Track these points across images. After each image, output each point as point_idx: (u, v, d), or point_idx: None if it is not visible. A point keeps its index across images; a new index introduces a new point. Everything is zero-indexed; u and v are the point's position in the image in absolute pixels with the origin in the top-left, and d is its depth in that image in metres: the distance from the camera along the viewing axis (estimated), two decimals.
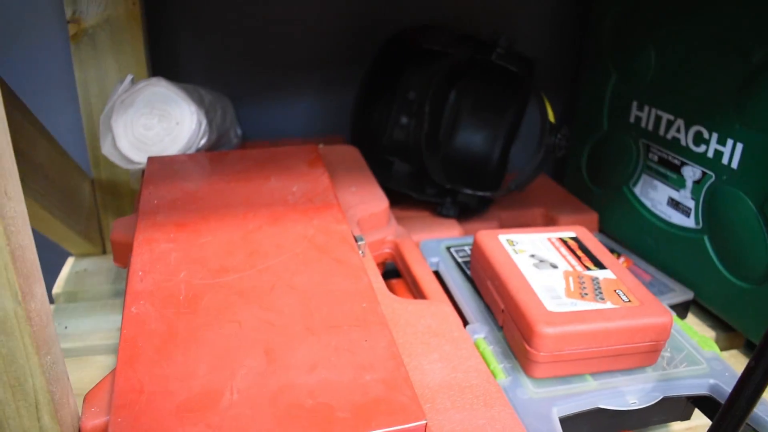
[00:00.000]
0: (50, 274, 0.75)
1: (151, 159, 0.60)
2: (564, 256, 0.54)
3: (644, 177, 0.74)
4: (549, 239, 0.56)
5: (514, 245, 0.55)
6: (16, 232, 0.35)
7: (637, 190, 0.75)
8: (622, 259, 0.73)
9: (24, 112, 0.57)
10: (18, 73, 0.76)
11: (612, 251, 0.75)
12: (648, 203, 0.74)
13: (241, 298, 0.44)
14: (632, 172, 0.76)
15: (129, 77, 0.62)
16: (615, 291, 0.49)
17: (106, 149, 0.61)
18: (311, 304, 0.43)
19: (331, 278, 0.45)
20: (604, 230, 0.81)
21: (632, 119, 0.75)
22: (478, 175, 0.82)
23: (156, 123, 0.61)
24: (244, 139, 0.84)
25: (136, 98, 0.60)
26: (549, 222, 0.80)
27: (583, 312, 0.46)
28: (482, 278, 0.54)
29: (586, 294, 0.49)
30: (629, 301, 0.48)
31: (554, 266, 0.52)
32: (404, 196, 0.74)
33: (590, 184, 0.84)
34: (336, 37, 0.84)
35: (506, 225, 0.78)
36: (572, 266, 0.52)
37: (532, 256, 0.53)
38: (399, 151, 0.81)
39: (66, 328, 0.66)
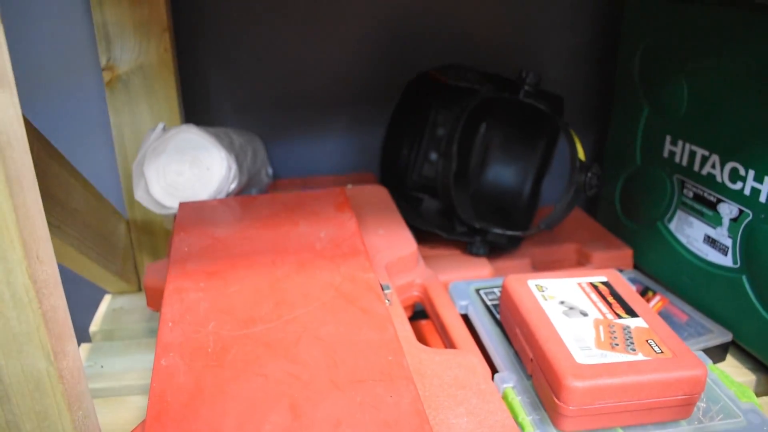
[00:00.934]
0: (88, 310, 0.77)
1: (182, 204, 0.61)
2: (594, 303, 0.53)
3: (679, 213, 0.73)
4: (579, 284, 0.55)
5: (543, 291, 0.54)
6: (48, 295, 0.36)
7: (672, 226, 0.74)
8: (657, 298, 0.72)
9: (61, 162, 0.59)
10: (55, 118, 0.79)
11: (647, 289, 0.73)
12: (683, 240, 0.72)
13: (267, 350, 0.44)
14: (667, 208, 0.74)
15: (161, 125, 0.63)
16: (647, 341, 0.48)
17: (140, 195, 0.63)
18: (337, 357, 0.43)
19: (357, 329, 0.46)
20: (638, 266, 0.80)
21: (666, 154, 0.74)
22: (509, 211, 0.82)
23: (187, 169, 0.62)
24: (275, 178, 0.85)
25: (168, 145, 0.62)
26: (582, 258, 0.79)
27: (614, 364, 0.45)
28: (511, 324, 0.54)
29: (617, 344, 0.48)
30: (662, 352, 0.47)
31: (584, 314, 0.51)
32: (434, 234, 0.74)
33: (624, 219, 0.82)
34: (364, 76, 0.85)
35: (538, 262, 0.77)
36: (603, 314, 0.51)
37: (562, 302, 0.53)
38: (428, 187, 0.81)
39: (102, 367, 0.67)
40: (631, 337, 0.49)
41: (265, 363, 0.43)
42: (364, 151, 0.88)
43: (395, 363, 0.42)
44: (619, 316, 0.51)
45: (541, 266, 0.78)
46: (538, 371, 0.48)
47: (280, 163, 0.86)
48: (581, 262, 0.79)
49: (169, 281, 0.51)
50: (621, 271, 0.78)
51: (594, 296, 0.54)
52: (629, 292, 0.55)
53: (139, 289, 0.80)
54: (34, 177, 0.35)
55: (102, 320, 0.74)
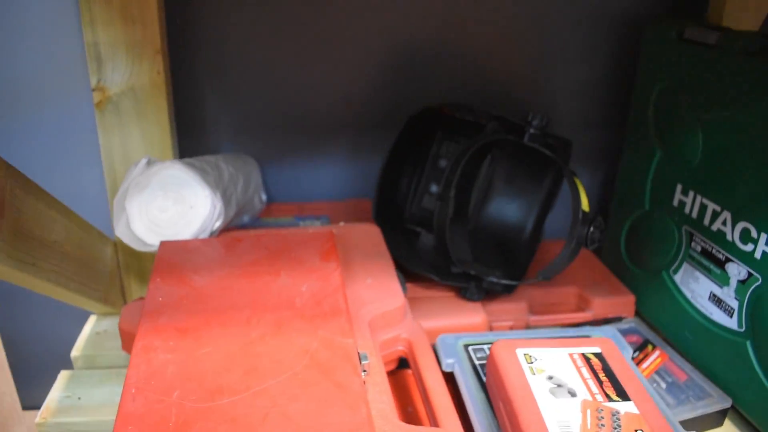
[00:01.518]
0: (72, 327, 0.75)
1: (163, 243, 0.59)
2: (585, 380, 0.50)
3: (686, 266, 0.69)
4: (571, 355, 0.53)
5: (531, 362, 0.51)
6: None
7: (677, 278, 0.71)
8: (656, 353, 0.69)
9: (38, 195, 0.57)
10: (43, 138, 0.76)
11: (647, 342, 0.70)
12: (688, 294, 0.69)
13: (231, 427, 0.42)
14: (673, 259, 0.71)
15: (144, 159, 0.61)
16: (636, 431, 0.45)
17: (120, 231, 0.60)
18: None
19: (329, 407, 0.43)
20: (640, 314, 0.77)
21: (676, 202, 0.70)
22: (510, 247, 0.79)
23: (170, 206, 0.60)
24: (269, 201, 0.83)
25: (151, 180, 0.60)
26: (582, 303, 0.76)
27: None
28: (495, 396, 0.51)
29: None
30: None
31: (572, 394, 0.49)
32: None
33: (628, 263, 0.79)
34: (366, 102, 0.82)
35: (536, 304, 0.75)
36: (592, 395, 0.49)
37: (550, 378, 0.50)
38: (426, 221, 0.79)
39: (79, 399, 0.66)
40: (620, 426, 0.46)
41: None
42: (362, 177, 0.85)
43: None
44: (610, 398, 0.48)
45: (538, 309, 0.75)
46: None
47: (275, 186, 0.84)
48: (581, 306, 0.76)
49: (138, 337, 0.49)
50: (621, 319, 0.75)
51: (585, 371, 0.51)
52: (622, 367, 0.52)
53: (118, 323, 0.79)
54: None
55: (84, 344, 0.73)
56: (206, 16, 0.76)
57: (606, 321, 0.75)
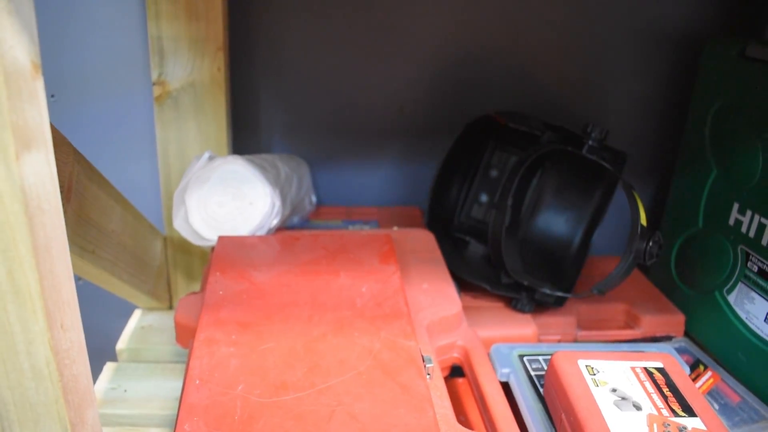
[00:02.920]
0: (117, 321, 0.76)
1: (221, 238, 0.59)
2: (649, 394, 0.49)
3: (741, 286, 0.68)
4: (633, 369, 0.52)
5: (594, 374, 0.50)
6: (70, 364, 0.33)
7: (731, 298, 0.69)
8: (708, 374, 0.68)
9: (100, 183, 0.57)
10: (103, 126, 0.77)
11: (698, 362, 0.69)
12: (743, 315, 0.68)
13: (298, 424, 0.41)
14: (727, 279, 0.70)
15: (206, 154, 0.61)
16: None
17: (178, 224, 0.60)
18: None
19: (394, 408, 0.43)
20: (689, 334, 0.75)
21: (732, 221, 0.69)
22: (557, 261, 0.78)
23: (229, 201, 0.60)
24: (318, 204, 0.83)
25: (212, 175, 0.60)
26: (631, 320, 0.75)
27: None
28: (557, 407, 0.50)
29: None
30: None
31: (638, 407, 0.48)
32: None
33: (678, 282, 0.78)
34: (419, 109, 0.82)
35: (584, 320, 0.74)
36: (658, 409, 0.48)
37: (614, 390, 0.49)
38: (475, 230, 0.78)
39: (125, 391, 0.65)
40: None
41: None
42: (411, 184, 0.85)
43: None
44: (675, 414, 0.47)
45: (586, 324, 0.74)
46: None
47: (324, 189, 0.84)
48: (629, 324, 0.75)
49: (200, 329, 0.49)
50: (671, 338, 0.74)
51: (648, 385, 0.50)
52: (686, 382, 0.51)
53: (170, 307, 0.79)
54: (65, 239, 0.33)
55: (129, 338, 0.73)
56: (266, 17, 0.76)
57: (654, 339, 0.74)
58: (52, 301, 0.31)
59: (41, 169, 0.31)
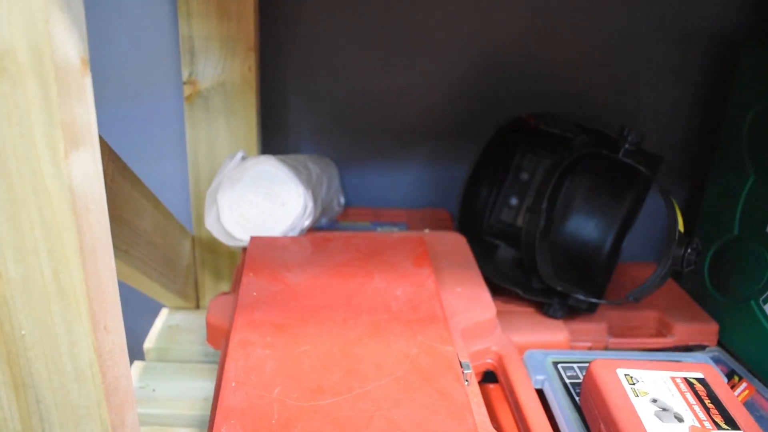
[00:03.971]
0: (144, 319, 0.75)
1: (254, 239, 0.58)
2: (690, 406, 0.48)
3: None
4: (673, 379, 0.51)
5: (633, 384, 0.49)
6: (112, 366, 0.33)
7: (767, 307, 0.68)
8: (743, 385, 0.66)
9: (133, 182, 0.57)
10: (131, 126, 0.77)
11: (732, 372, 0.68)
12: None
13: (335, 428, 0.41)
14: (764, 288, 0.68)
15: (240, 153, 0.60)
16: None
17: (210, 223, 0.60)
18: None
19: (434, 415, 0.42)
20: (722, 344, 0.74)
21: None
22: (587, 266, 0.77)
23: (262, 201, 0.59)
24: (346, 206, 0.82)
25: (245, 175, 0.59)
26: (663, 328, 0.73)
27: None
28: (595, 417, 0.49)
29: None
30: None
31: (680, 419, 0.46)
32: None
33: (712, 290, 0.76)
34: (448, 110, 0.81)
35: (616, 326, 0.72)
36: (700, 421, 0.46)
37: (654, 401, 0.48)
38: (504, 233, 0.77)
39: (154, 390, 0.65)
40: None
41: None
42: (440, 186, 0.84)
43: None
44: (719, 426, 0.46)
45: (617, 331, 0.73)
46: None
47: (351, 190, 0.83)
48: (661, 332, 0.74)
49: (234, 331, 0.48)
50: (704, 348, 0.72)
51: (690, 397, 0.49)
52: (728, 394, 0.50)
53: (197, 307, 0.78)
54: (110, 238, 0.33)
55: (157, 337, 0.73)
56: (296, 17, 0.76)
57: (687, 348, 0.72)
58: (96, 302, 0.31)
59: (88, 168, 0.30)
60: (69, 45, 0.28)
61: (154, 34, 0.73)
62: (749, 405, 0.64)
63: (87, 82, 0.30)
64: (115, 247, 0.54)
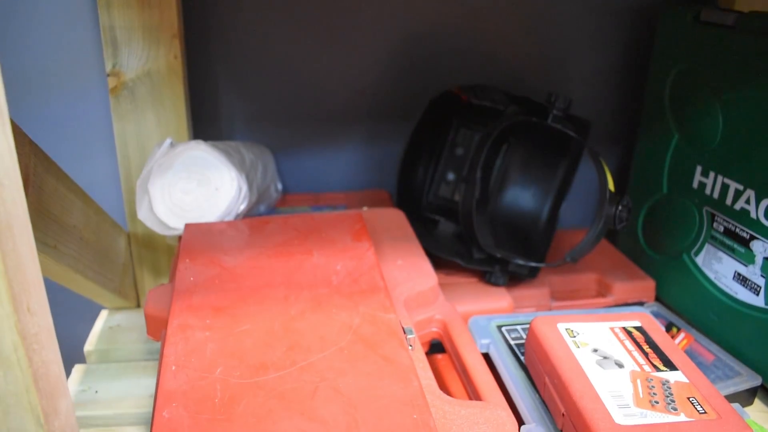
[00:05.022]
0: (84, 324, 0.73)
1: (188, 226, 0.57)
2: (630, 352, 0.49)
3: (708, 247, 0.69)
4: (612, 329, 0.52)
5: (574, 336, 0.50)
6: (39, 350, 0.32)
7: (699, 260, 0.71)
8: (682, 335, 0.68)
9: (58, 176, 0.55)
10: (56, 124, 0.74)
11: (671, 325, 0.70)
12: (711, 275, 0.69)
13: (281, 402, 0.40)
14: (694, 241, 0.71)
15: (168, 141, 0.59)
16: (688, 399, 0.45)
17: (143, 214, 0.59)
18: (357, 414, 0.39)
19: (379, 380, 0.42)
20: (660, 299, 0.76)
21: (695, 184, 0.70)
22: (526, 235, 0.78)
23: (195, 188, 0.58)
24: (284, 192, 0.81)
25: (175, 162, 0.58)
26: (603, 289, 0.75)
27: (655, 426, 0.42)
28: (539, 372, 0.50)
29: (657, 402, 0.44)
30: (705, 412, 0.43)
31: (620, 365, 0.48)
32: (450, 260, 0.70)
33: (646, 249, 0.79)
34: (382, 91, 0.81)
35: (558, 291, 0.74)
36: (640, 366, 0.48)
37: (595, 350, 0.49)
38: (444, 209, 0.78)
39: (96, 392, 0.63)
40: (672, 394, 0.45)
41: (278, 419, 0.39)
42: (378, 167, 0.84)
43: (421, 423, 0.39)
44: (657, 369, 0.48)
45: (559, 295, 0.74)
46: (570, 428, 0.45)
47: (290, 177, 0.82)
48: (601, 292, 0.76)
49: (172, 316, 0.47)
50: (642, 304, 0.74)
51: (629, 344, 0.50)
52: (664, 339, 0.51)
53: (138, 306, 0.76)
54: (28, 217, 0.31)
55: (98, 339, 0.71)
56: (221, 4, 0.74)
57: (626, 306, 0.74)
58: (16, 282, 0.30)
59: None
60: None
61: (74, 26, 0.71)
62: (689, 354, 0.66)
63: None
64: (44, 243, 0.52)
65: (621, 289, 0.74)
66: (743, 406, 0.63)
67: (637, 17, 0.83)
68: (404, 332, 0.46)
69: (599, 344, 0.50)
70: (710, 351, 0.66)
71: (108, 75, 0.67)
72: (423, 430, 0.38)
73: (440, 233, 0.76)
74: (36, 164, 0.51)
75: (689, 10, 0.71)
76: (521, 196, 0.80)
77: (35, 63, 0.72)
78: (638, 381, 0.46)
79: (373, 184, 0.85)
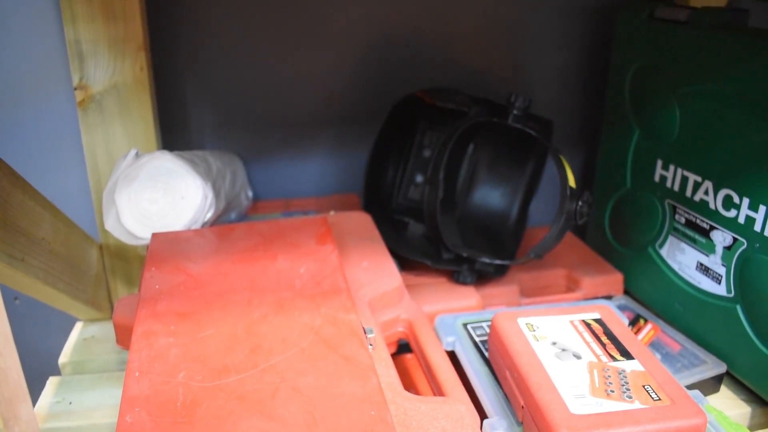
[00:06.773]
0: (59, 335, 0.74)
1: (155, 235, 0.58)
2: (588, 344, 0.50)
3: (671, 239, 0.71)
4: (571, 322, 0.53)
5: (534, 330, 0.52)
6: None
7: (663, 252, 0.72)
8: (648, 326, 0.70)
9: (25, 189, 0.56)
10: (25, 139, 0.75)
11: (638, 317, 0.71)
12: (675, 266, 0.70)
13: (241, 404, 0.41)
14: (658, 234, 0.72)
15: (133, 151, 0.60)
16: (643, 387, 0.46)
17: (110, 225, 0.59)
18: (316, 412, 0.40)
19: (338, 380, 0.43)
20: (629, 292, 0.78)
21: (657, 178, 0.72)
22: (496, 234, 0.80)
23: (161, 197, 0.59)
24: (255, 199, 0.82)
25: (141, 172, 0.59)
26: (572, 284, 0.77)
27: (610, 414, 0.43)
28: (500, 366, 0.51)
29: (612, 391, 0.45)
30: (659, 399, 0.45)
31: (577, 356, 0.49)
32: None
33: (614, 243, 0.80)
34: (349, 96, 0.82)
35: (527, 288, 0.75)
36: (597, 356, 0.49)
37: (554, 343, 0.50)
38: (413, 211, 0.79)
39: (70, 404, 0.64)
40: (627, 383, 0.46)
41: (238, 420, 0.40)
42: (347, 172, 0.85)
43: (378, 419, 0.40)
44: (614, 359, 0.49)
45: (529, 292, 0.75)
46: (529, 420, 0.46)
47: (260, 184, 0.83)
48: (570, 287, 0.77)
49: (137, 323, 0.48)
50: (611, 297, 0.76)
51: (587, 336, 0.51)
52: (623, 330, 0.53)
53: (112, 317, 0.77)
54: None
55: (72, 351, 0.71)
56: (186, 13, 0.75)
57: (594, 300, 0.76)
58: None
59: None
60: None
61: (39, 41, 0.71)
62: (656, 344, 0.68)
63: None
64: (11, 255, 0.53)
65: (590, 283, 0.76)
66: (710, 393, 0.64)
67: (599, 16, 0.84)
68: (365, 332, 0.47)
69: (558, 337, 0.51)
70: (677, 341, 0.68)
71: (75, 88, 0.68)
72: (380, 426, 0.39)
73: (410, 235, 0.77)
74: (1, 178, 0.51)
75: (644, 8, 0.72)
76: (490, 196, 0.81)
77: (2, 77, 0.73)
78: (595, 371, 0.47)
79: (343, 188, 0.86)
